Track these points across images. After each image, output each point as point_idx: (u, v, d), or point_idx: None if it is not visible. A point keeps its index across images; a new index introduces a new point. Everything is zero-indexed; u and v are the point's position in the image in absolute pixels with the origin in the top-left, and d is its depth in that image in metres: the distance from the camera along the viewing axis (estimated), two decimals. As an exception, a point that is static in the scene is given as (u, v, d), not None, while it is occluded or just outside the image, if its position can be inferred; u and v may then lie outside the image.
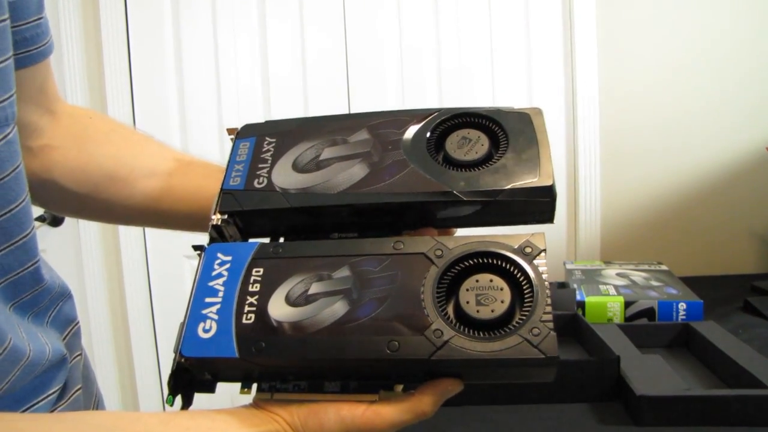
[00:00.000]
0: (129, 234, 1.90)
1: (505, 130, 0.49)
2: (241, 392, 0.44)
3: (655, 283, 1.23)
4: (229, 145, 0.54)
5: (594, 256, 1.81)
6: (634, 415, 0.80)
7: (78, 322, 0.57)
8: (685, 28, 1.73)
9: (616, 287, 1.20)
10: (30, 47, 0.49)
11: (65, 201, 0.59)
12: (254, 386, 0.44)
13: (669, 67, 1.75)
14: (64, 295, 0.54)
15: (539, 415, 0.84)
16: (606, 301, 1.13)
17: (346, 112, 1.84)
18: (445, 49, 1.82)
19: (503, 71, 1.82)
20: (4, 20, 0.41)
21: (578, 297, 1.15)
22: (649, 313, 1.11)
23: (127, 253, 1.91)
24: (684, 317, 1.10)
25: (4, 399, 0.43)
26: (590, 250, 1.81)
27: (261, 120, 0.56)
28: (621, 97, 1.77)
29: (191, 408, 0.43)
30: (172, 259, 1.92)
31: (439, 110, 0.51)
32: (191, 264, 1.92)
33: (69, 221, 1.86)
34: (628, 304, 1.12)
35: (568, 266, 1.40)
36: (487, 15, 1.81)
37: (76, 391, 0.53)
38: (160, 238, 1.90)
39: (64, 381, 0.51)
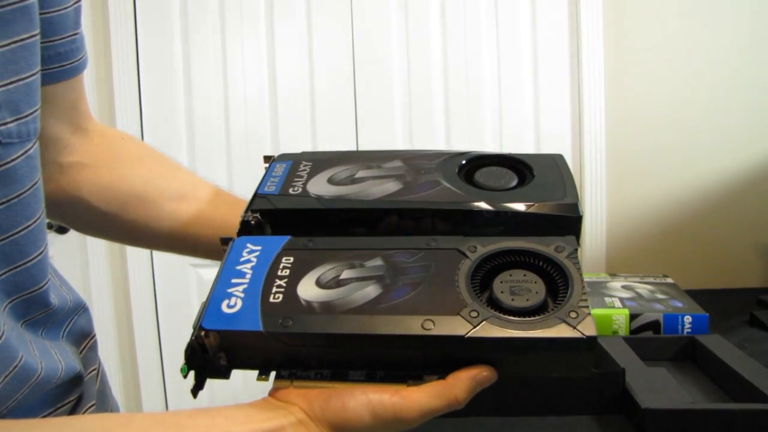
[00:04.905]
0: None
1: (531, 167, 0.51)
2: (258, 379, 0.43)
3: (660, 296, 1.22)
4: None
5: (599, 268, 1.81)
6: (638, 428, 0.79)
7: (94, 336, 0.57)
8: (691, 45, 1.74)
9: (621, 300, 1.20)
10: (64, 62, 0.49)
11: (91, 219, 0.59)
12: (272, 375, 0.43)
13: (674, 81, 1.75)
14: (78, 309, 0.53)
15: (544, 426, 0.84)
16: (611, 314, 1.12)
17: (353, 129, 1.86)
18: (452, 67, 1.83)
19: (510, 86, 1.83)
20: (34, 35, 0.42)
21: (583, 309, 1.14)
22: (654, 325, 1.11)
23: (133, 260, 1.92)
24: (689, 330, 1.10)
25: (13, 413, 0.42)
26: (596, 263, 1.81)
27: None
28: (627, 110, 1.77)
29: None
30: (178, 267, 1.92)
31: (470, 152, 0.54)
32: (197, 272, 1.92)
33: (76, 230, 1.87)
34: (633, 317, 1.12)
35: (574, 278, 1.40)
36: (494, 33, 1.82)
37: (90, 407, 0.52)
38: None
39: (77, 396, 0.50)
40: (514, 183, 0.50)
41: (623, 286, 1.31)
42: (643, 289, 1.29)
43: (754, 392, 0.82)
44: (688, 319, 1.10)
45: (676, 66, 1.74)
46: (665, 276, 1.41)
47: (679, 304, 1.16)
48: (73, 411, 0.50)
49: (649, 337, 1.08)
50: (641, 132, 1.77)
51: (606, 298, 1.21)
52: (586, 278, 1.38)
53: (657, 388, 0.84)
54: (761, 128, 1.73)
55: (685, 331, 1.10)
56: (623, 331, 1.12)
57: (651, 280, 1.36)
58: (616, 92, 1.77)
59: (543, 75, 1.81)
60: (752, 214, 1.75)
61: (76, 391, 0.50)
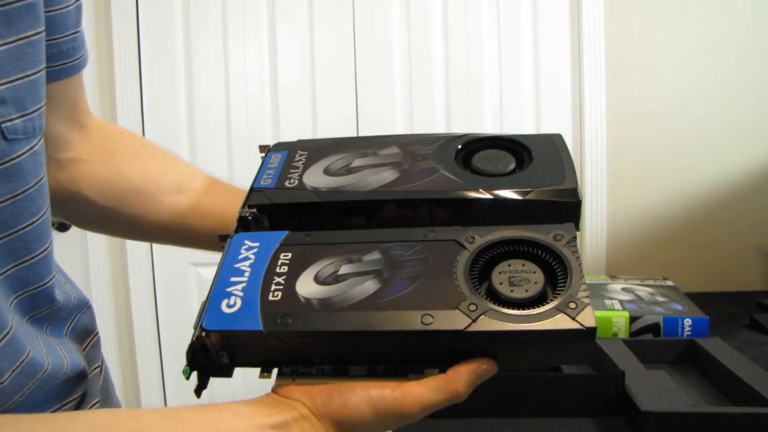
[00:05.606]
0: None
1: (529, 149, 0.51)
2: (261, 377, 0.43)
3: (660, 299, 1.22)
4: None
5: (599, 270, 1.81)
6: (638, 430, 0.79)
7: (97, 333, 0.57)
8: (693, 44, 1.74)
9: (621, 302, 1.20)
10: (65, 60, 0.50)
11: (90, 214, 0.59)
12: (274, 372, 0.43)
13: (675, 83, 1.75)
14: (81, 306, 0.54)
15: (543, 428, 0.84)
16: (611, 316, 1.12)
17: (354, 123, 1.86)
18: (453, 65, 1.83)
19: (511, 85, 1.83)
20: (39, 32, 0.42)
21: (583, 311, 1.14)
22: (654, 328, 1.11)
23: (133, 258, 1.92)
24: (689, 333, 1.10)
25: (19, 409, 0.42)
26: (596, 265, 1.81)
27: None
28: (628, 113, 1.77)
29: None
30: (178, 266, 1.92)
31: (467, 134, 0.53)
32: (197, 271, 1.92)
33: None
34: (633, 320, 1.12)
35: (574, 280, 1.39)
36: (496, 30, 1.82)
37: (94, 404, 0.52)
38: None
39: (82, 392, 0.50)
40: (513, 166, 0.50)
41: (623, 289, 1.31)
42: (643, 291, 1.28)
43: (753, 395, 0.82)
44: (688, 321, 1.10)
45: (677, 66, 1.74)
46: (665, 278, 1.41)
47: (679, 307, 1.16)
48: (77, 408, 0.50)
49: (648, 340, 1.08)
50: (642, 133, 1.77)
51: (606, 301, 1.21)
52: (587, 280, 1.38)
53: (657, 391, 0.84)
54: (762, 129, 1.73)
55: (685, 334, 1.10)
56: (623, 334, 1.12)
57: (651, 282, 1.36)
58: (617, 92, 1.77)
59: (544, 73, 1.81)
60: (753, 216, 1.74)
61: (81, 388, 0.50)
